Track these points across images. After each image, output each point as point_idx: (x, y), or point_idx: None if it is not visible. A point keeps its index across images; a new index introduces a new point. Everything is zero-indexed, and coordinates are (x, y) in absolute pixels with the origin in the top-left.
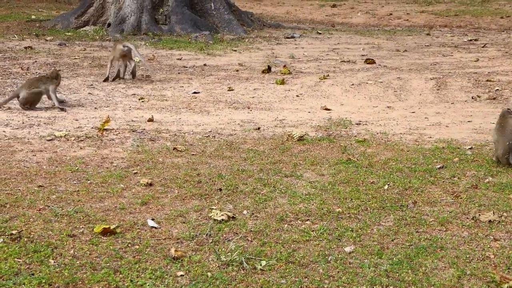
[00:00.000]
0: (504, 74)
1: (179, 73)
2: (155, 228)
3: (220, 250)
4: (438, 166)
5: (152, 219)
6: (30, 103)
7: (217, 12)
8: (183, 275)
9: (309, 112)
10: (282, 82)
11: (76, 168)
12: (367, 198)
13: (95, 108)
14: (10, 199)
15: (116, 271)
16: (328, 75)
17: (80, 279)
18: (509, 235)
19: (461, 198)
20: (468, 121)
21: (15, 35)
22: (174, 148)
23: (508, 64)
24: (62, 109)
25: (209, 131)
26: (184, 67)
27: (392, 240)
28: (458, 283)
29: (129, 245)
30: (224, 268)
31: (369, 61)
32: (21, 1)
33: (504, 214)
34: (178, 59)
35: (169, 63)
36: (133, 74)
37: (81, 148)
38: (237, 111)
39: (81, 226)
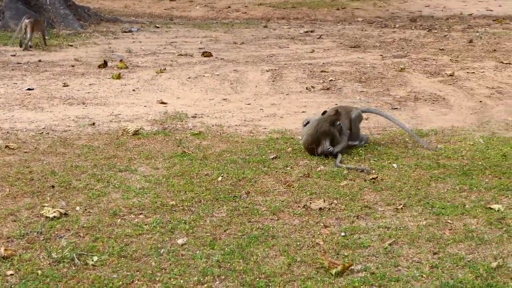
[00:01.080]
0: (338, 64)
1: (13, 69)
2: None
3: (51, 247)
4: (272, 157)
5: None
6: None
7: (52, 7)
8: (13, 274)
9: (145, 106)
10: (119, 77)
11: None
12: (201, 190)
13: None
14: None
15: None
16: (165, 69)
17: None
18: (338, 222)
19: (293, 187)
20: (303, 112)
21: None
22: (6, 146)
23: (342, 54)
24: None
25: (43, 128)
26: (18, 63)
27: (225, 231)
28: (288, 270)
29: None
30: (55, 265)
31: (206, 54)
32: None
33: (334, 201)
34: (12, 55)
35: (2, 59)
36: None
37: None
38: (72, 107)
39: None
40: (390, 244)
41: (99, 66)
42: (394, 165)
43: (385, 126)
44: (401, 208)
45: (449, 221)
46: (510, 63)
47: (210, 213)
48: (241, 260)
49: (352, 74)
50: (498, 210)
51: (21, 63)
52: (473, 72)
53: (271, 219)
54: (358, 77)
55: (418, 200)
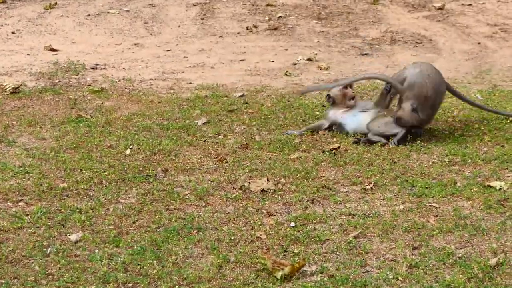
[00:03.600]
0: None
1: None
2: None
3: None
4: (200, 122)
5: None
6: None
7: None
8: None
9: (28, 54)
10: None
11: None
12: (103, 167)
13: None
14: None
15: None
16: (56, 3)
17: None
18: (287, 208)
19: (227, 162)
20: (241, 60)
21: None
22: None
23: None
24: None
25: None
26: None
27: (134, 222)
28: (219, 273)
29: None
30: None
31: None
32: None
33: (282, 180)
34: None
35: None
36: None
37: None
38: None
39: None
40: (355, 237)
41: None
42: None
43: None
44: (371, 188)
45: (434, 204)
46: None
47: (114, 198)
48: (155, 262)
49: (309, 8)
50: (499, 189)
51: None
52: (470, 4)
53: (196, 205)
54: (317, 12)
55: (394, 177)
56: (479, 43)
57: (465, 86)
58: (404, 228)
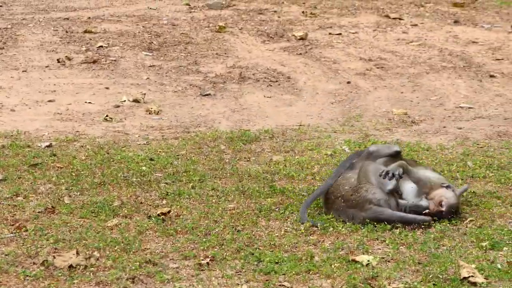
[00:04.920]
0: (113, 20)
1: None
2: None
3: None
4: None
5: None
6: None
7: None
8: None
9: None
10: None
11: None
12: None
13: None
14: None
15: None
16: None
17: None
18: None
19: (27, 231)
20: (49, 101)
21: None
22: None
23: (122, 3)
24: None
25: None
26: None
27: None
28: None
29: None
30: None
31: None
32: None
33: (95, 253)
34: None
35: None
36: None
37: None
38: None
39: None
40: None
41: None
42: (199, 190)
43: (188, 125)
44: (208, 263)
45: (285, 284)
46: (400, 19)
47: None
48: None
49: (137, 36)
50: (367, 265)
51: None
52: (340, 34)
53: None
54: (147, 41)
55: (236, 250)
56: (348, 82)
57: (329, 135)
58: None
